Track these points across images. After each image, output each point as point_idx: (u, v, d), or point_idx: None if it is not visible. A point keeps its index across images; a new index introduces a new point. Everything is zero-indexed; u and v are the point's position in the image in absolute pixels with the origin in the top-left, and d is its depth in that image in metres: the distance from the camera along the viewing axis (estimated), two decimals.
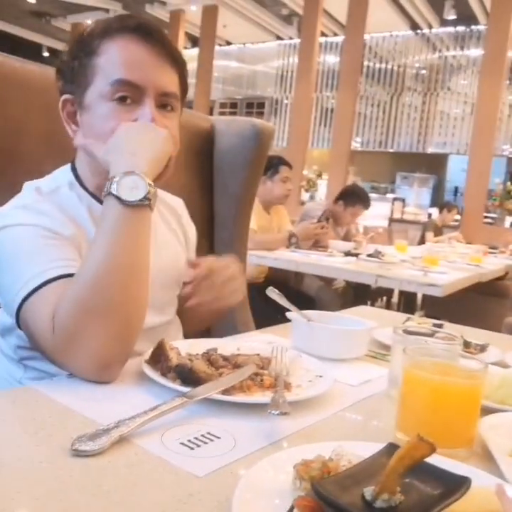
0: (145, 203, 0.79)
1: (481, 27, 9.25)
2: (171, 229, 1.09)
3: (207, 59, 9.92)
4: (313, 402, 0.74)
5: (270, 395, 0.70)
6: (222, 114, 11.96)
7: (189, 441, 0.60)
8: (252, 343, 0.98)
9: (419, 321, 1.24)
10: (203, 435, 0.62)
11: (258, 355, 0.85)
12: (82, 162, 0.95)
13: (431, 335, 0.97)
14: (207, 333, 1.17)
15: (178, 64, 0.92)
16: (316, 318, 1.03)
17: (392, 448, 0.50)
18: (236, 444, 0.61)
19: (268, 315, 1.34)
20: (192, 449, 0.58)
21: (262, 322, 1.32)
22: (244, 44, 11.88)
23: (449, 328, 1.18)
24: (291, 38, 10.99)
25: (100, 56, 0.87)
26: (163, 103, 0.90)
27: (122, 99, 0.86)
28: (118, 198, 0.78)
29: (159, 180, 0.86)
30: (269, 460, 0.53)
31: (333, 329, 1.00)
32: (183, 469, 0.54)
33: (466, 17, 9.04)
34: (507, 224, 7.77)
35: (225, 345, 0.91)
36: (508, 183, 8.01)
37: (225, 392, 0.71)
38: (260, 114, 11.68)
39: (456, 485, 0.46)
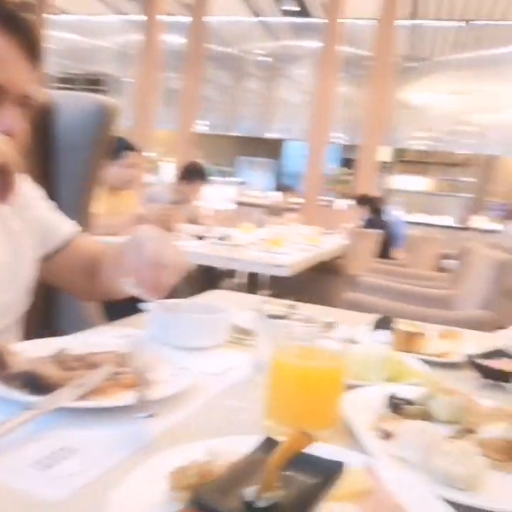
0: None
1: (319, 20, 9.78)
2: (24, 220, 0.95)
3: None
4: (180, 398, 0.70)
5: (132, 394, 0.65)
6: (57, 89, 11.10)
7: (42, 460, 0.52)
8: (106, 338, 0.90)
9: (274, 304, 1.27)
10: (60, 449, 0.54)
11: (115, 351, 0.79)
12: None
13: (288, 317, 0.99)
14: (53, 333, 1.05)
15: (40, 57, 0.80)
16: (172, 307, 0.98)
17: (269, 443, 0.48)
18: (98, 456, 0.54)
19: (118, 306, 1.26)
20: (46, 469, 0.51)
21: (112, 315, 1.23)
22: (81, 16, 11.09)
23: (300, 307, 1.22)
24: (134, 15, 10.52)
25: None
26: (22, 105, 0.78)
27: None
28: None
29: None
30: (139, 472, 0.48)
31: (191, 317, 0.96)
32: (37, 495, 0.47)
33: (305, 10, 9.51)
34: (341, 206, 8.42)
35: (75, 344, 0.82)
36: (340, 169, 8.70)
37: (81, 397, 0.64)
38: (101, 92, 11.07)
39: (331, 471, 0.46)
